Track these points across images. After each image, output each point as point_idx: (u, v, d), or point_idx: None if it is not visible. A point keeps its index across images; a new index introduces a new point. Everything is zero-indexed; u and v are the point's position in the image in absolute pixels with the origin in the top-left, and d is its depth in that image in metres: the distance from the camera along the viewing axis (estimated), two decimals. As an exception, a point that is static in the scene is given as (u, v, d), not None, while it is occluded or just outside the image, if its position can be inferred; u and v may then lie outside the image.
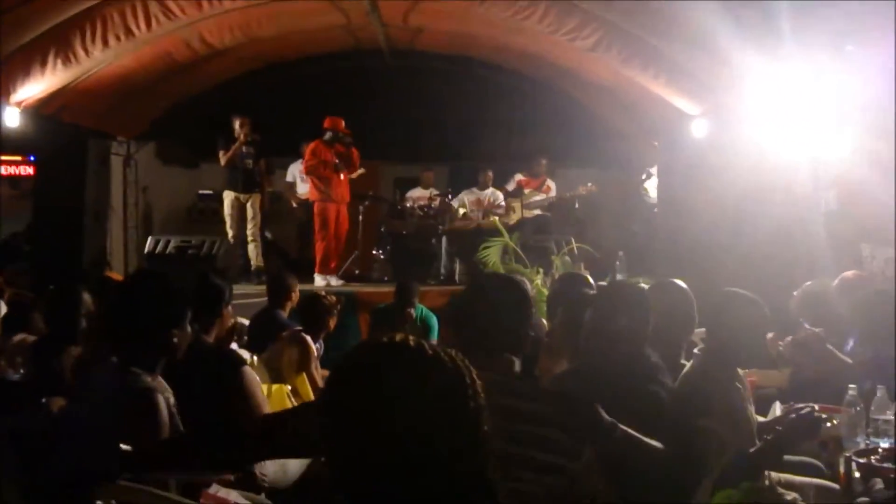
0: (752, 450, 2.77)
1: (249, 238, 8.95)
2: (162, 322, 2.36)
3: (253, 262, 8.96)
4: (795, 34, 5.57)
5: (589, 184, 9.19)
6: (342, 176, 8.79)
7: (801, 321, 4.24)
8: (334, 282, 8.63)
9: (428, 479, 1.16)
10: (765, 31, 5.70)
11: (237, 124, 8.90)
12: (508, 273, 6.65)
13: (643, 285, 3.62)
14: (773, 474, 3.02)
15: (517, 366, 2.20)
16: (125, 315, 2.35)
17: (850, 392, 3.17)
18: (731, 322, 2.94)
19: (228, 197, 8.91)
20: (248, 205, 8.96)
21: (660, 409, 2.69)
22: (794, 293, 4.74)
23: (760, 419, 3.32)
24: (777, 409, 3.66)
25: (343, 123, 8.85)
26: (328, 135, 8.74)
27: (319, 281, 8.54)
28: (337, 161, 8.68)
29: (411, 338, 1.25)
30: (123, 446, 1.96)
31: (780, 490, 2.91)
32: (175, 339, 2.38)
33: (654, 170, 8.60)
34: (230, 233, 8.88)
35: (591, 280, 4.32)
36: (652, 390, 2.75)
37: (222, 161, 8.85)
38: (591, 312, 2.86)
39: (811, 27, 5.44)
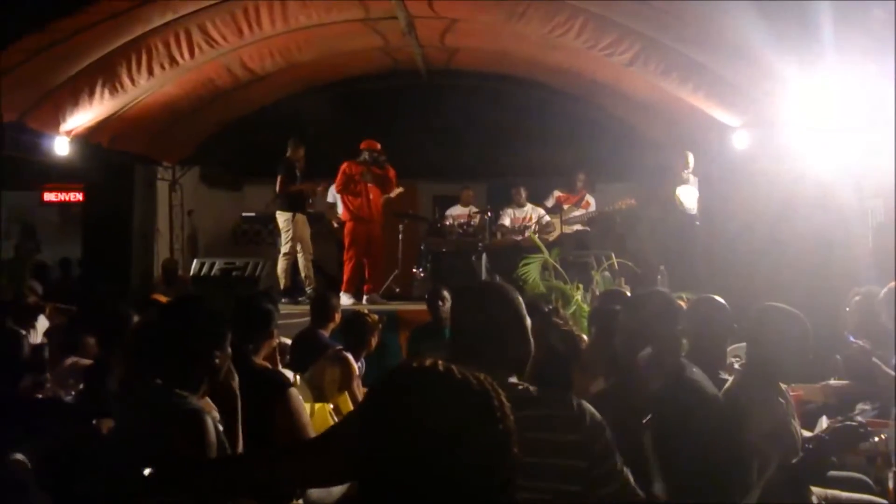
0: (793, 461, 2.73)
1: (302, 253, 9.05)
2: (204, 344, 2.41)
3: (303, 273, 9.07)
4: (836, 42, 5.51)
5: (628, 198, 9.13)
6: (372, 195, 8.85)
7: (847, 335, 4.16)
8: (347, 300, 8.52)
9: (457, 501, 1.18)
10: (804, 40, 5.64)
11: (293, 149, 9.03)
12: (546, 287, 6.66)
13: (682, 299, 3.59)
14: (820, 490, 2.97)
15: (513, 377, 2.10)
16: (168, 337, 2.42)
17: (898, 406, 3.11)
18: (772, 336, 2.90)
19: (284, 217, 9.02)
20: (304, 222, 9.10)
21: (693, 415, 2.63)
22: (847, 308, 4.65)
23: (807, 433, 3.27)
24: (823, 424, 3.61)
25: (378, 146, 8.93)
26: (364, 156, 8.83)
27: (345, 300, 8.50)
28: (364, 171, 8.74)
29: (440, 362, 1.27)
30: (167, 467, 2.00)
31: (826, 506, 2.87)
32: (217, 361, 2.43)
33: (688, 177, 8.46)
34: (285, 249, 8.97)
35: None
36: (684, 384, 2.68)
37: (279, 186, 8.92)
38: (619, 327, 2.86)
39: (851, 35, 5.37)
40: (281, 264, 9.06)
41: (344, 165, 8.80)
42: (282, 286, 9.03)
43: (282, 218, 9.00)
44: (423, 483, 1.18)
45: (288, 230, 8.93)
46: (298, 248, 8.97)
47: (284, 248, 8.99)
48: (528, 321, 2.16)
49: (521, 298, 2.21)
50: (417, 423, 1.20)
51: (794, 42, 5.72)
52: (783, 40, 5.75)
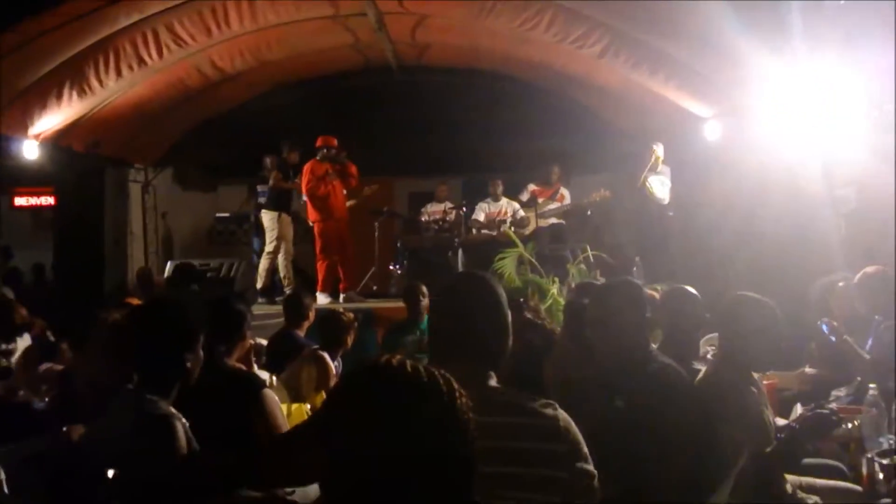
0: (766, 450, 2.75)
1: (283, 253, 9.04)
2: (174, 347, 2.38)
3: (282, 273, 9.07)
4: (806, 33, 5.55)
5: (602, 189, 9.15)
6: (337, 192, 8.81)
7: (822, 320, 4.19)
8: (325, 300, 8.56)
9: (418, 498, 1.18)
10: (776, 31, 5.69)
11: (287, 151, 9.05)
12: (522, 282, 6.66)
13: (655, 290, 3.61)
14: (795, 478, 2.99)
15: (493, 379, 2.03)
16: (138, 341, 2.39)
17: (871, 392, 3.14)
18: (743, 326, 2.91)
19: (270, 215, 8.99)
20: (288, 222, 9.11)
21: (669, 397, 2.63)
22: (814, 287, 4.70)
23: (781, 421, 3.29)
24: (798, 411, 3.64)
25: (335, 141, 8.89)
26: (322, 153, 8.78)
27: (322, 299, 8.52)
28: (329, 171, 8.70)
29: (407, 361, 1.27)
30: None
31: (802, 494, 2.89)
32: (188, 364, 2.41)
33: (660, 167, 8.49)
34: (269, 248, 8.97)
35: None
36: (654, 373, 2.68)
37: (273, 182, 8.91)
38: (588, 317, 2.87)
39: (822, 26, 5.41)
40: (263, 263, 9.03)
41: (308, 166, 8.75)
42: (261, 285, 8.99)
43: (267, 217, 8.98)
44: (384, 480, 1.18)
45: (273, 229, 8.93)
46: (281, 247, 8.97)
47: (268, 248, 8.97)
48: (509, 313, 2.10)
49: (501, 290, 2.14)
50: (378, 420, 1.20)
51: (764, 32, 5.76)
52: (753, 30, 5.79)
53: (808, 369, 4.51)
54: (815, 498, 2.78)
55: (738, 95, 6.99)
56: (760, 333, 2.88)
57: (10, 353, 5.42)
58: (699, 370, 3.06)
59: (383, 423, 1.20)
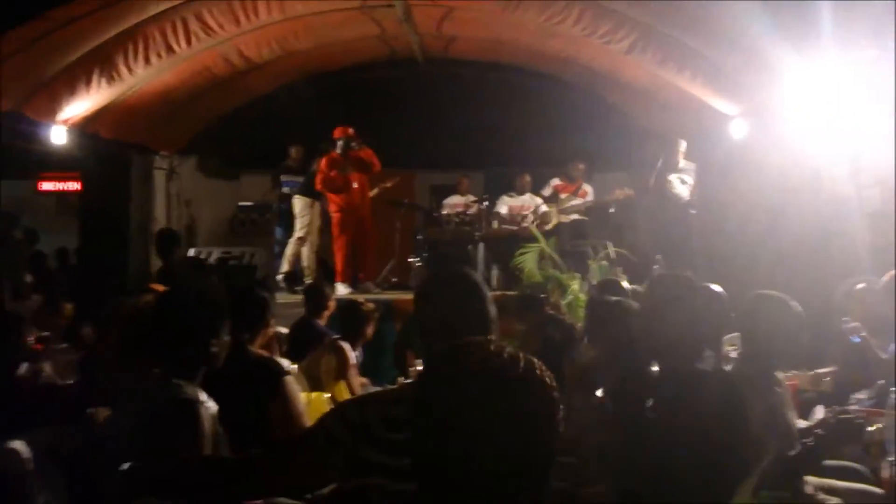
0: (791, 454, 2.73)
1: (308, 243, 9.11)
2: (201, 332, 2.41)
3: (305, 262, 9.15)
4: (834, 31, 5.48)
5: (625, 188, 9.11)
6: (356, 183, 8.81)
7: (843, 321, 4.16)
8: (344, 290, 8.54)
9: (505, 492, 1.17)
10: (803, 28, 5.62)
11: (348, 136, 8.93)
12: (543, 277, 6.66)
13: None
14: (815, 479, 2.98)
15: None
16: (165, 326, 2.41)
17: (893, 395, 3.11)
18: (766, 325, 2.89)
19: (304, 202, 9.06)
20: (319, 212, 9.17)
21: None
22: (839, 289, 4.66)
23: (802, 423, 3.27)
24: (819, 413, 3.61)
25: (352, 130, 8.87)
26: (339, 144, 8.77)
27: (341, 289, 8.50)
28: (343, 164, 8.69)
29: (508, 348, 1.24)
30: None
31: (822, 496, 2.87)
32: (214, 349, 2.43)
33: (682, 164, 8.40)
34: (300, 233, 9.04)
35: (627, 285, 4.30)
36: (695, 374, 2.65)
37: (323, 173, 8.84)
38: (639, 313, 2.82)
39: (850, 21, 5.34)
40: (291, 248, 9.08)
41: (322, 163, 8.76)
42: (287, 269, 9.04)
43: (301, 203, 9.04)
44: (472, 472, 1.16)
45: (305, 215, 9.02)
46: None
47: (299, 233, 9.04)
48: (493, 310, 2.12)
49: (484, 289, 2.17)
50: (473, 409, 1.17)
51: (792, 28, 5.70)
52: (780, 27, 5.73)
53: (828, 370, 4.47)
54: (837, 500, 2.76)
55: (765, 93, 6.92)
56: (783, 332, 2.86)
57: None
58: (724, 370, 3.04)
59: (475, 407, 1.16)
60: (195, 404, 2.26)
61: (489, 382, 1.19)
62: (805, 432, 3.06)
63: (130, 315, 2.66)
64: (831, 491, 2.99)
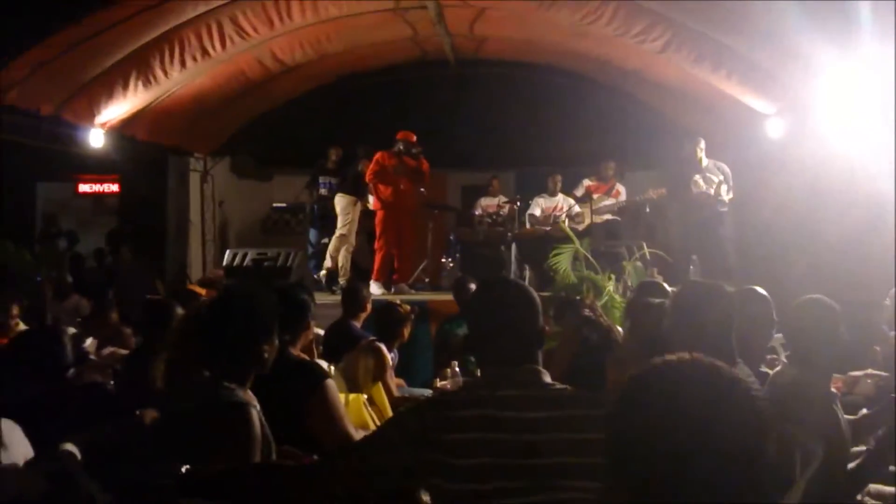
0: (852, 465, 2.70)
1: (346, 244, 9.13)
2: (253, 337, 2.43)
3: (341, 262, 9.12)
4: (872, 26, 5.40)
5: (659, 188, 9.02)
6: (404, 186, 8.82)
7: (886, 328, 4.10)
8: (378, 290, 8.51)
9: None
10: (842, 25, 5.54)
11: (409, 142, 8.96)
12: (578, 278, 6.63)
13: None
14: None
15: (546, 376, 2.07)
16: (218, 331, 2.43)
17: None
18: (813, 330, 2.87)
19: (347, 199, 9.08)
20: (359, 214, 9.19)
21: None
22: (887, 301, 4.58)
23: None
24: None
25: (414, 137, 8.91)
26: (399, 146, 8.80)
27: (375, 289, 8.46)
28: (397, 164, 8.72)
29: (711, 360, 1.22)
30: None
31: (871, 501, 2.84)
32: (266, 354, 2.46)
33: (705, 162, 8.26)
34: (343, 231, 9.03)
35: (667, 287, 4.26)
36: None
37: (361, 167, 8.93)
38: (668, 318, 2.81)
39: (889, 16, 5.25)
40: (334, 244, 9.08)
41: (378, 155, 8.79)
42: (329, 266, 9.06)
43: (343, 201, 9.04)
44: (680, 486, 1.15)
45: (348, 213, 9.00)
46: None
47: (341, 230, 9.01)
48: (540, 316, 2.14)
49: (534, 295, 2.19)
50: (684, 424, 1.15)
51: (830, 25, 5.62)
52: (818, 24, 5.65)
53: (871, 372, 4.41)
54: (884, 506, 2.72)
55: (802, 91, 6.83)
56: (828, 338, 2.83)
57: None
58: (767, 373, 3.02)
59: (688, 422, 1.15)
60: (248, 407, 2.28)
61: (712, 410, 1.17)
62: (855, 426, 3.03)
63: (183, 319, 2.69)
64: (878, 495, 2.95)
